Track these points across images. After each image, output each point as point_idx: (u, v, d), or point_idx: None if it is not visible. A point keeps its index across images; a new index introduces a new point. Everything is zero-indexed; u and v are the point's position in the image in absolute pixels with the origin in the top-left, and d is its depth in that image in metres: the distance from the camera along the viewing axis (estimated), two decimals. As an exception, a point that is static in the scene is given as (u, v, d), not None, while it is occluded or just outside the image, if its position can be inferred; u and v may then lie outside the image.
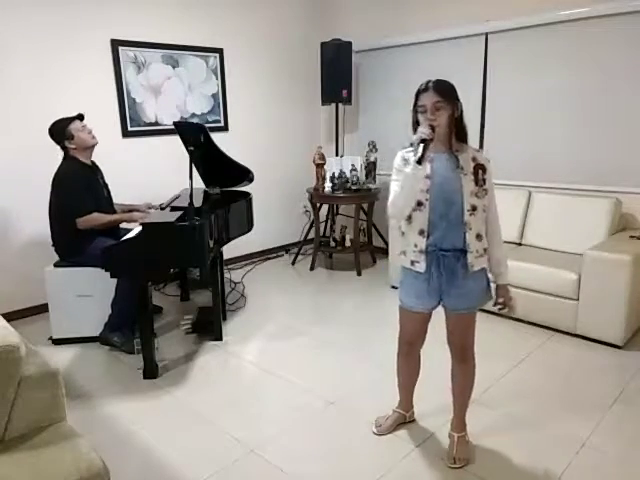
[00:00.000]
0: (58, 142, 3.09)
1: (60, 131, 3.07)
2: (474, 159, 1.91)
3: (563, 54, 3.76)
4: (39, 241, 3.57)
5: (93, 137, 3.16)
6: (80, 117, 3.14)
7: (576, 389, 2.66)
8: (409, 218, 1.95)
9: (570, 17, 3.65)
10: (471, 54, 4.22)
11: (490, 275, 2.04)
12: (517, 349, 3.09)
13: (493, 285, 2.07)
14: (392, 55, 4.80)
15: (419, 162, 1.81)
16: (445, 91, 1.86)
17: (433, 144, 1.85)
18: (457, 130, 1.91)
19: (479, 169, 1.90)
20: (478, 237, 1.92)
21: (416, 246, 1.95)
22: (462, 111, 1.91)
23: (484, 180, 1.91)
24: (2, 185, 3.50)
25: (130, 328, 3.17)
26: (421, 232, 1.93)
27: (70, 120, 3.09)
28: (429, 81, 1.87)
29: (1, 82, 3.43)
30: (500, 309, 2.10)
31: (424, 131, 1.82)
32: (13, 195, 3.55)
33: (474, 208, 1.89)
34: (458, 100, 1.89)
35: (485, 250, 1.96)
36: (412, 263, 1.98)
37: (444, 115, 1.85)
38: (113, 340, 3.14)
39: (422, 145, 1.82)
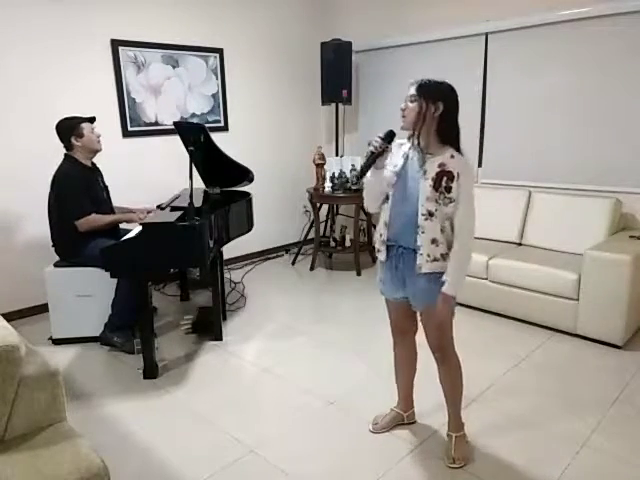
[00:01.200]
0: (64, 138, 3.08)
1: (71, 127, 3.07)
2: (441, 165, 1.84)
3: (563, 54, 3.76)
4: (39, 241, 3.57)
5: (99, 142, 3.17)
6: (92, 120, 3.16)
7: (576, 389, 2.66)
8: (380, 208, 2.04)
9: (570, 17, 3.65)
10: (471, 54, 4.22)
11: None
12: (517, 349, 3.09)
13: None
14: (392, 55, 4.80)
15: (358, 177, 1.97)
16: (422, 87, 1.85)
17: (416, 142, 1.93)
18: (438, 130, 1.86)
19: (443, 176, 1.83)
20: (434, 242, 1.88)
21: (380, 235, 2.03)
22: (447, 112, 1.84)
23: (447, 188, 1.83)
24: (2, 185, 3.50)
25: (130, 328, 3.17)
26: (385, 224, 2.01)
27: (83, 119, 3.11)
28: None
29: (1, 82, 3.43)
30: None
31: (374, 144, 1.91)
32: (13, 195, 3.55)
33: (430, 214, 1.86)
34: (440, 100, 1.82)
35: (444, 256, 1.89)
36: (377, 251, 2.07)
37: (414, 110, 1.84)
38: (113, 340, 3.14)
39: (368, 157, 1.93)
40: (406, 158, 1.95)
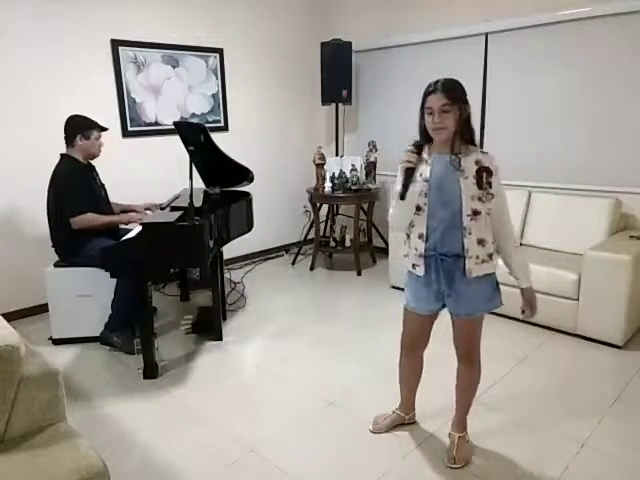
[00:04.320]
0: (71, 133, 3.08)
1: (82, 127, 3.09)
2: (477, 162, 1.83)
3: (563, 54, 3.76)
4: (39, 241, 3.57)
5: (99, 150, 3.20)
6: (105, 129, 3.20)
7: (576, 389, 2.66)
8: (410, 222, 1.96)
9: (570, 17, 3.65)
10: (471, 54, 4.22)
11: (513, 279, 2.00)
12: (517, 349, 3.09)
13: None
14: (392, 55, 4.80)
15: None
16: (453, 93, 1.80)
17: (436, 145, 1.88)
18: (463, 132, 1.84)
19: (483, 172, 1.82)
20: (480, 242, 1.85)
21: (416, 250, 1.95)
22: (469, 112, 1.85)
23: (489, 183, 1.83)
24: (2, 185, 3.50)
25: (130, 328, 3.16)
26: (420, 236, 1.92)
27: (97, 126, 3.14)
28: (437, 82, 1.81)
29: (1, 82, 3.42)
30: (524, 316, 2.06)
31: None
32: (14, 195, 3.55)
33: (475, 212, 1.83)
34: (466, 102, 1.83)
35: (491, 256, 1.88)
36: (413, 266, 1.98)
37: (451, 118, 1.79)
38: (113, 340, 3.14)
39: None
40: (431, 164, 1.88)
